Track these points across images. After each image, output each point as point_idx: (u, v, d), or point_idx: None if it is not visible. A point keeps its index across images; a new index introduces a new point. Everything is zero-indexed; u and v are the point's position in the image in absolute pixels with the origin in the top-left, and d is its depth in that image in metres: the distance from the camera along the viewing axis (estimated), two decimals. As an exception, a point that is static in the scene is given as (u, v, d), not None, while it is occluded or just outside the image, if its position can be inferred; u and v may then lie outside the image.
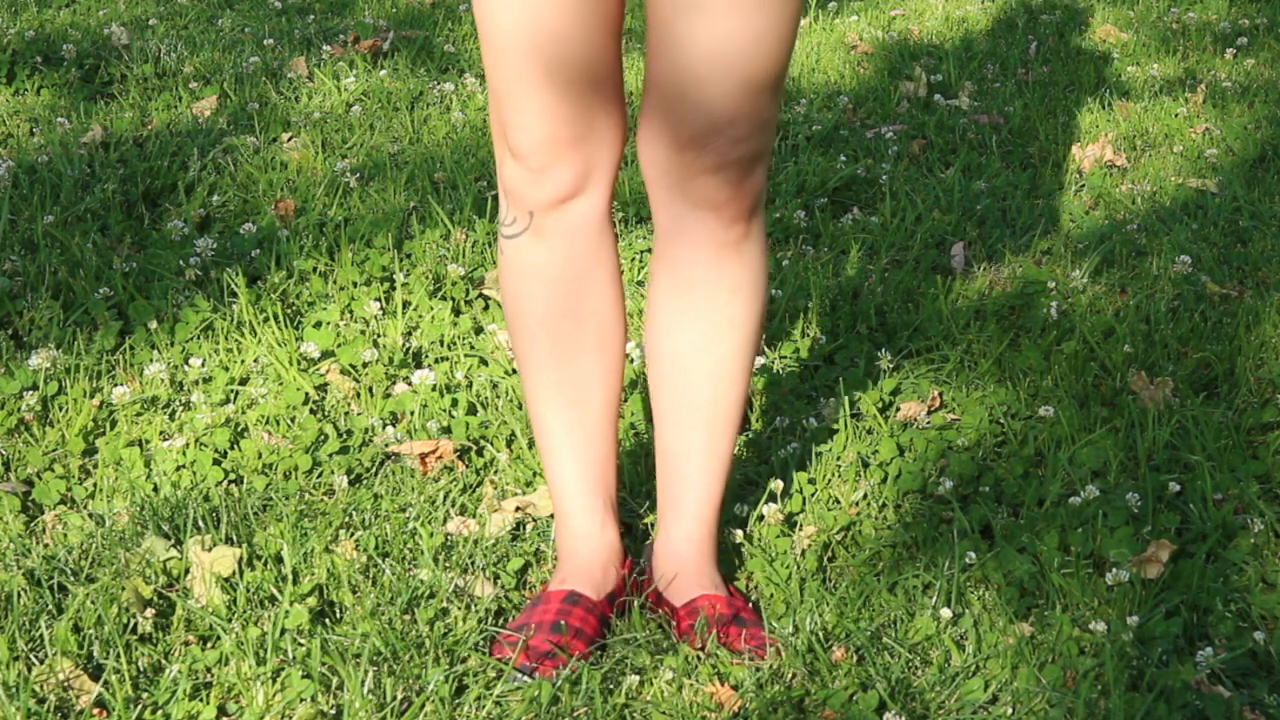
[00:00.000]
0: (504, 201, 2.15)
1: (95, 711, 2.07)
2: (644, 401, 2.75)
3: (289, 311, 3.05)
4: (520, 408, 2.77)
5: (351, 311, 3.05)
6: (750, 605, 2.26)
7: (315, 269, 3.18)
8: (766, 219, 2.52)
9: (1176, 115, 4.20)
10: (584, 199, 2.12)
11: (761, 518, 2.46)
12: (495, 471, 2.62)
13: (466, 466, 2.63)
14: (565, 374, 2.19)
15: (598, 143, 2.09)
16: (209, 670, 2.13)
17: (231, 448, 2.66)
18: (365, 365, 2.88)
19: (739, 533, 2.41)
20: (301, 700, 2.07)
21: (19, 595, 2.26)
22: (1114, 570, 2.29)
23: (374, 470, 2.63)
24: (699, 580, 2.23)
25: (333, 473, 2.59)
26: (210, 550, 2.31)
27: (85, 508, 2.53)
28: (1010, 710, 2.08)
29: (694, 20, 1.98)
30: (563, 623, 2.15)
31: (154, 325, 2.98)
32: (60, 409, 2.75)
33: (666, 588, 2.24)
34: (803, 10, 2.05)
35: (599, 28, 2.03)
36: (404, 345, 2.95)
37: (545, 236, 2.13)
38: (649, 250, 3.32)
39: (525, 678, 2.10)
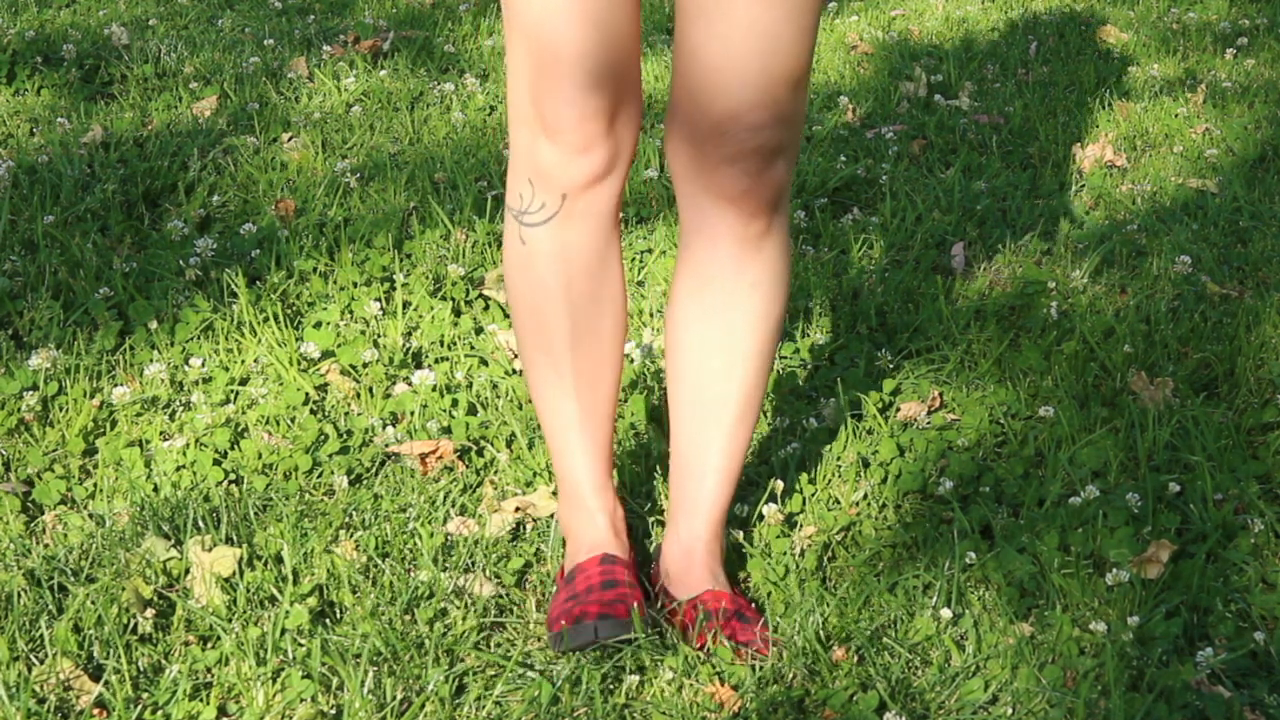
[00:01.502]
0: (529, 189, 2.16)
1: (95, 711, 2.07)
2: (643, 401, 2.75)
3: (289, 312, 3.05)
4: (520, 408, 2.77)
5: (351, 312, 3.05)
6: (753, 606, 2.26)
7: (315, 269, 3.18)
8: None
9: (1176, 115, 4.20)
10: (610, 181, 2.15)
11: (761, 518, 2.46)
12: (495, 472, 2.62)
13: (466, 466, 2.63)
14: (584, 359, 2.23)
15: (625, 123, 2.13)
16: (209, 670, 2.14)
17: (231, 448, 2.66)
18: (365, 365, 2.88)
19: (739, 533, 2.41)
20: (301, 700, 2.07)
21: (19, 595, 2.26)
22: (1114, 570, 2.29)
23: (374, 470, 2.63)
24: (704, 577, 2.24)
25: (333, 473, 2.59)
26: (210, 550, 2.31)
27: (85, 508, 2.53)
28: (1010, 710, 2.08)
29: (713, 11, 2.02)
30: (612, 580, 2.20)
31: (154, 325, 2.98)
32: (60, 409, 2.75)
33: (672, 583, 2.25)
34: (824, 6, 2.07)
35: (629, 7, 2.08)
36: (404, 345, 2.95)
37: (574, 219, 2.16)
38: (649, 250, 3.32)
39: (592, 637, 2.12)
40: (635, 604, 2.16)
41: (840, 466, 2.60)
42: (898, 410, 2.76)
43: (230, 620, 2.22)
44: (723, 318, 2.18)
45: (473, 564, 2.37)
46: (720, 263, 2.16)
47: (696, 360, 2.21)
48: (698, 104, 2.07)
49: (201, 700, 2.08)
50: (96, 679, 2.12)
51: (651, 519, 2.50)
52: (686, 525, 2.27)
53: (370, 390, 2.83)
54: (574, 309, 2.20)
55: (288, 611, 2.21)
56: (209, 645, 2.20)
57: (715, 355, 2.20)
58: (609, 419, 2.29)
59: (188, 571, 2.32)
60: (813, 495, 2.53)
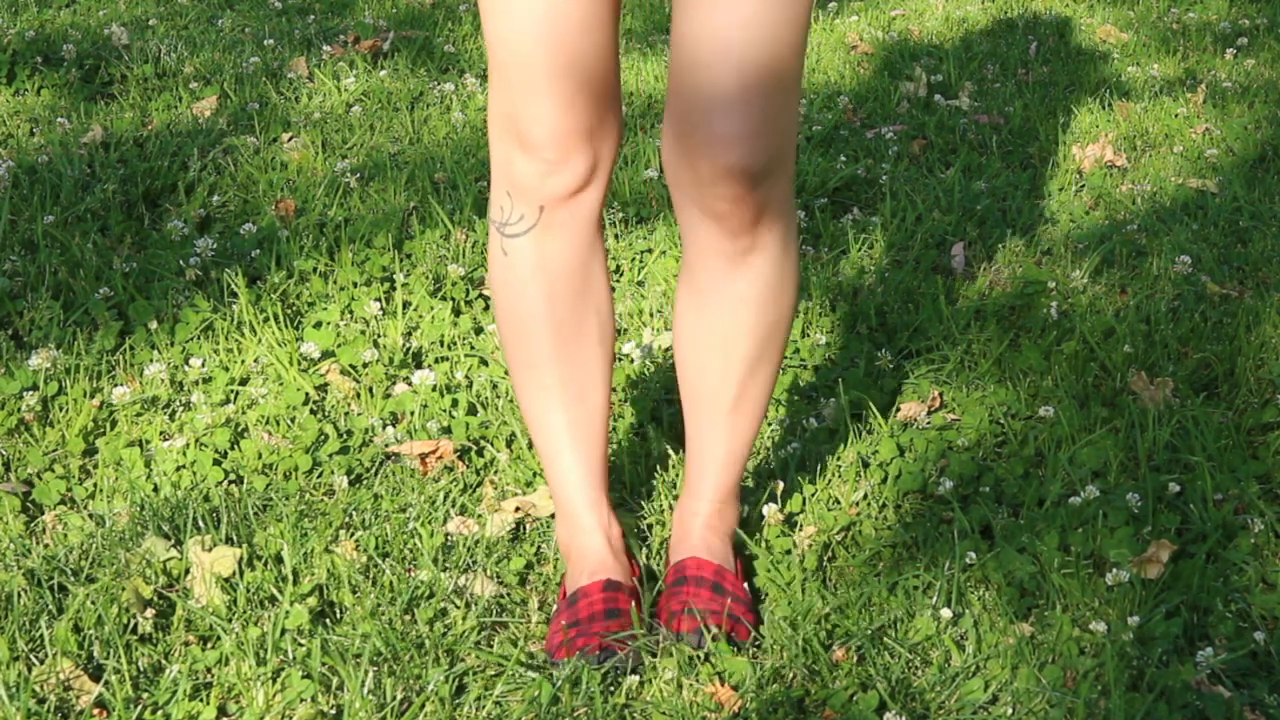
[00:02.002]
0: (508, 201, 2.16)
1: (95, 711, 2.07)
2: (640, 403, 2.75)
3: (289, 312, 3.05)
4: (520, 408, 2.77)
5: (351, 311, 3.05)
6: (744, 586, 2.26)
7: (315, 269, 3.18)
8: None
9: (1176, 115, 4.20)
10: (590, 191, 2.15)
11: (761, 517, 2.46)
12: (495, 471, 2.62)
13: (466, 466, 2.63)
14: (570, 370, 2.22)
15: (605, 135, 2.13)
16: (209, 670, 2.14)
17: (231, 448, 2.66)
18: (365, 365, 2.88)
19: (739, 533, 2.41)
20: (301, 700, 2.07)
21: (19, 595, 2.26)
22: (1114, 570, 2.29)
23: (374, 470, 2.63)
24: (695, 545, 2.28)
25: (333, 473, 2.59)
26: (210, 550, 2.31)
27: (85, 508, 2.53)
28: (1010, 710, 2.08)
29: (695, 12, 2.01)
30: (616, 609, 2.19)
31: (154, 325, 2.98)
32: (60, 409, 2.75)
33: (671, 549, 2.31)
34: (810, 12, 2.05)
35: (604, 22, 2.07)
36: (404, 345, 2.95)
37: (553, 231, 2.15)
38: (649, 250, 3.32)
39: (595, 666, 2.11)
40: (632, 644, 2.15)
41: (840, 466, 2.60)
42: (898, 410, 2.76)
43: (230, 620, 2.22)
44: (715, 324, 2.19)
45: (473, 564, 2.37)
46: (710, 273, 2.16)
47: (694, 361, 2.23)
48: (684, 97, 2.05)
49: (201, 700, 2.08)
50: (96, 679, 2.12)
51: (650, 520, 2.50)
52: (689, 500, 2.31)
53: (370, 390, 2.83)
54: (558, 319, 2.20)
55: (288, 611, 2.21)
56: (209, 645, 2.20)
57: (712, 358, 2.21)
58: (600, 433, 2.27)
59: (188, 571, 2.32)
60: (813, 495, 2.53)
